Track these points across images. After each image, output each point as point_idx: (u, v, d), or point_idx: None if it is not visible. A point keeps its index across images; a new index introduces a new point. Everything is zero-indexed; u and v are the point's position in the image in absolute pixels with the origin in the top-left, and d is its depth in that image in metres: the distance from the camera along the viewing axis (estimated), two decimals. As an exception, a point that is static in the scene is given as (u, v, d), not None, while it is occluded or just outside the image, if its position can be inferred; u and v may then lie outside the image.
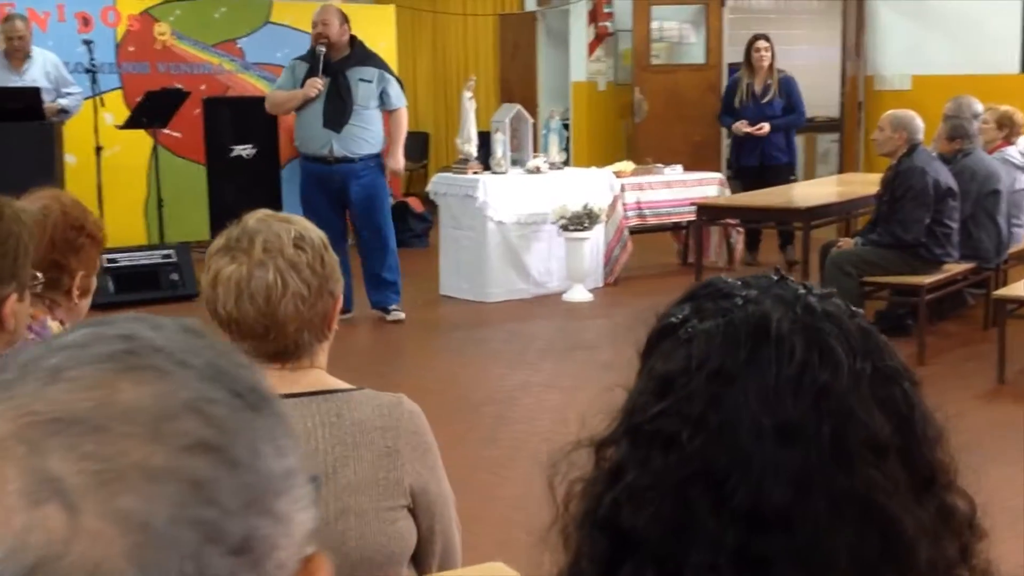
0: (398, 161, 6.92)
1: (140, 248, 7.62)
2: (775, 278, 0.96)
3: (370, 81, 6.70)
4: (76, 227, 2.40)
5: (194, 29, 9.29)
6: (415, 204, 9.81)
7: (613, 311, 7.43)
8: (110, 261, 6.94)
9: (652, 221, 8.38)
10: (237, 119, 8.31)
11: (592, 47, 11.31)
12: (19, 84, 7.32)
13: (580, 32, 11.29)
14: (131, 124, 7.81)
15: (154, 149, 8.54)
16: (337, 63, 6.68)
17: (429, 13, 12.28)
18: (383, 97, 6.76)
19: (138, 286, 7.25)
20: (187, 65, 9.27)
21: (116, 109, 8.38)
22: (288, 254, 1.87)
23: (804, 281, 0.98)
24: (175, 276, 7.47)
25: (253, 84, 9.53)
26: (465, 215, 7.56)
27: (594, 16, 11.21)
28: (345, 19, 6.81)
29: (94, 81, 7.71)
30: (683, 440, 0.85)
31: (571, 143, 11.26)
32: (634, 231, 8.26)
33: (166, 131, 8.53)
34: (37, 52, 7.52)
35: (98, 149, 7.68)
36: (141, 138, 8.12)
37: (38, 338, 2.28)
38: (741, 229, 8.38)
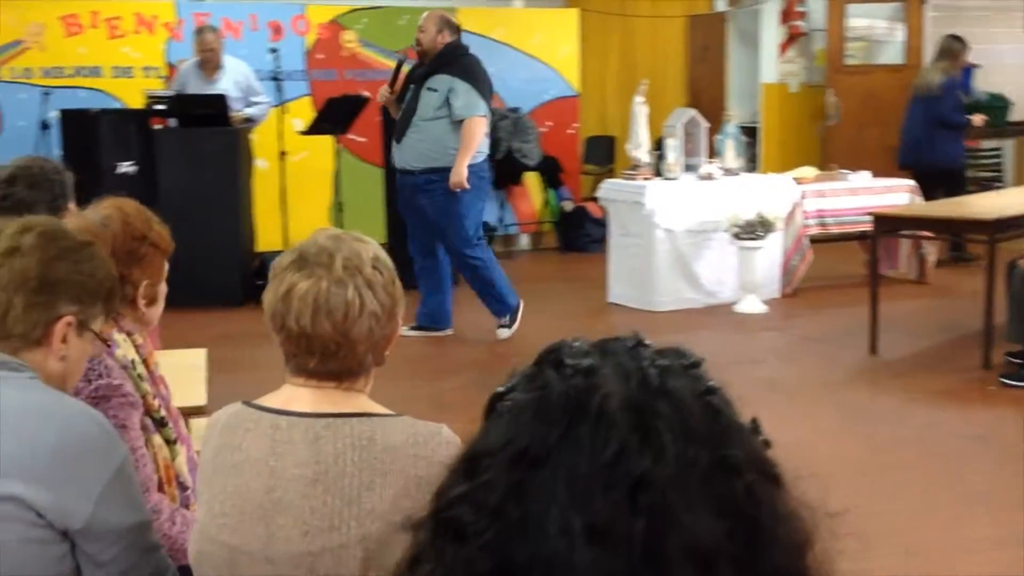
0: (457, 174, 6.23)
1: (317, 250, 7.82)
2: (630, 344, 0.84)
3: (436, 90, 6.33)
4: (138, 237, 2.44)
5: (379, 36, 9.50)
6: (594, 209, 9.71)
7: (787, 324, 7.16)
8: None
9: (835, 230, 7.99)
10: (415, 124, 8.40)
11: (784, 47, 10.96)
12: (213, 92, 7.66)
13: (771, 32, 10.95)
14: (313, 130, 8.03)
15: (338, 153, 8.76)
16: (421, 72, 6.51)
17: (618, 16, 12.16)
18: (449, 107, 6.32)
19: (313, 287, 7.44)
20: (372, 71, 9.48)
21: (305, 115, 8.63)
22: (367, 273, 1.86)
23: (674, 347, 0.85)
24: (349, 278, 7.62)
25: (435, 89, 9.66)
26: (633, 222, 7.42)
27: (786, 15, 10.86)
28: (447, 26, 6.51)
29: (279, 88, 7.96)
30: (477, 532, 0.73)
31: (760, 147, 10.95)
32: (816, 240, 7.91)
33: (351, 136, 8.76)
34: (229, 62, 7.85)
35: (282, 154, 7.93)
36: (328, 143, 8.34)
37: (103, 351, 2.32)
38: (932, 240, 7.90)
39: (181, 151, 7.51)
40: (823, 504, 0.82)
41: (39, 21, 8.46)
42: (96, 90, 8.60)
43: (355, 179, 8.78)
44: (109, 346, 2.35)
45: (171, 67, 8.53)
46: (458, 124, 6.28)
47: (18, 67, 8.41)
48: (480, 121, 6.31)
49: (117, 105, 8.46)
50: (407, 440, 1.82)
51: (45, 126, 8.00)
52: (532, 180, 10.10)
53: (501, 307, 6.64)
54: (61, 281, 1.91)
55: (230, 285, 7.43)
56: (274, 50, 7.98)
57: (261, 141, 8.20)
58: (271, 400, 1.91)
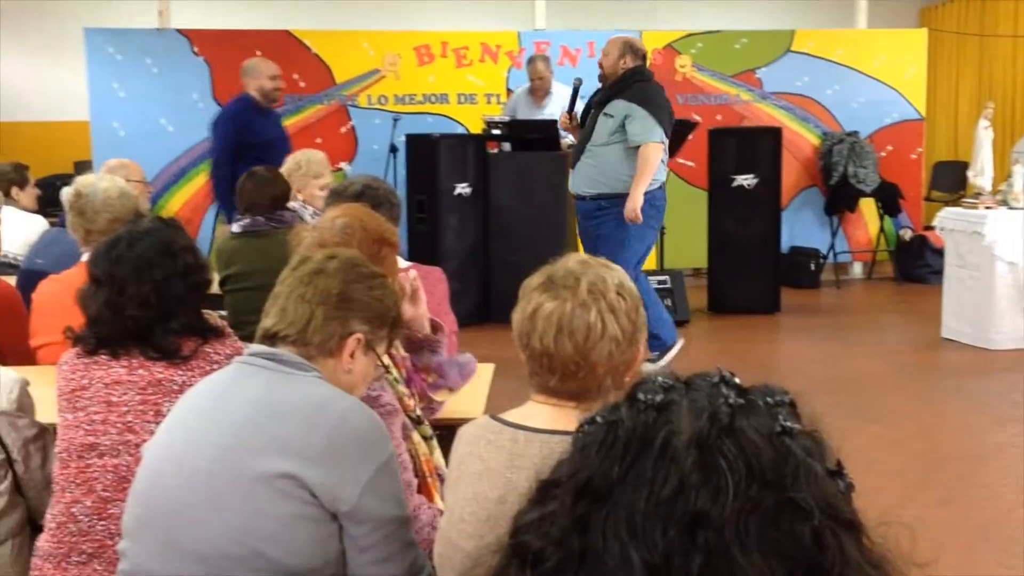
0: (632, 201, 6.01)
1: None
2: (714, 380, 0.82)
3: (612, 115, 6.16)
4: (377, 239, 2.60)
5: (714, 60, 9.48)
6: (934, 238, 9.19)
7: None
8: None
9: None
10: (741, 149, 8.33)
11: None
12: (539, 117, 7.97)
13: None
14: (640, 154, 8.13)
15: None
16: (601, 97, 6.36)
17: (974, 36, 11.45)
18: (624, 132, 6.12)
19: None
20: (705, 96, 9.49)
21: (635, 139, 8.75)
22: (610, 299, 1.92)
23: (763, 385, 0.83)
24: (668, 302, 7.67)
25: (769, 113, 9.53)
26: (972, 253, 6.97)
27: None
28: (630, 51, 6.29)
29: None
30: (541, 560, 0.75)
31: None
32: None
33: (679, 159, 8.81)
34: (557, 88, 8.13)
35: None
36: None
37: None
38: None
39: (513, 173, 7.85)
40: (911, 553, 0.78)
41: (395, 52, 9.13)
42: (442, 115, 9.17)
43: (681, 203, 8.81)
44: (387, 370, 2.54)
45: (510, 93, 8.93)
46: (633, 151, 6.11)
47: (374, 94, 9.12)
48: (657, 147, 6.11)
49: (460, 130, 8.97)
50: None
51: (393, 149, 8.62)
52: (868, 206, 9.70)
53: (653, 342, 6.33)
54: (356, 301, 2.13)
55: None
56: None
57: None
58: (513, 415, 1.99)
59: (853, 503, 0.79)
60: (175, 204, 8.82)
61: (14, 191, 5.83)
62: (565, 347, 1.88)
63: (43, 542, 2.39)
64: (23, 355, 3.41)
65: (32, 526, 2.60)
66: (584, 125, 6.50)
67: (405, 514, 2.05)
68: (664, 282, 7.80)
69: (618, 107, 6.15)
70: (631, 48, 6.31)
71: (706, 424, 0.77)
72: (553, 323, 1.89)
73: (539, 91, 8.13)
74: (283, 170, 5.00)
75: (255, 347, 2.09)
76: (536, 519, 0.78)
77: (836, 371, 6.53)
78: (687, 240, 8.74)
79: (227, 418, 1.98)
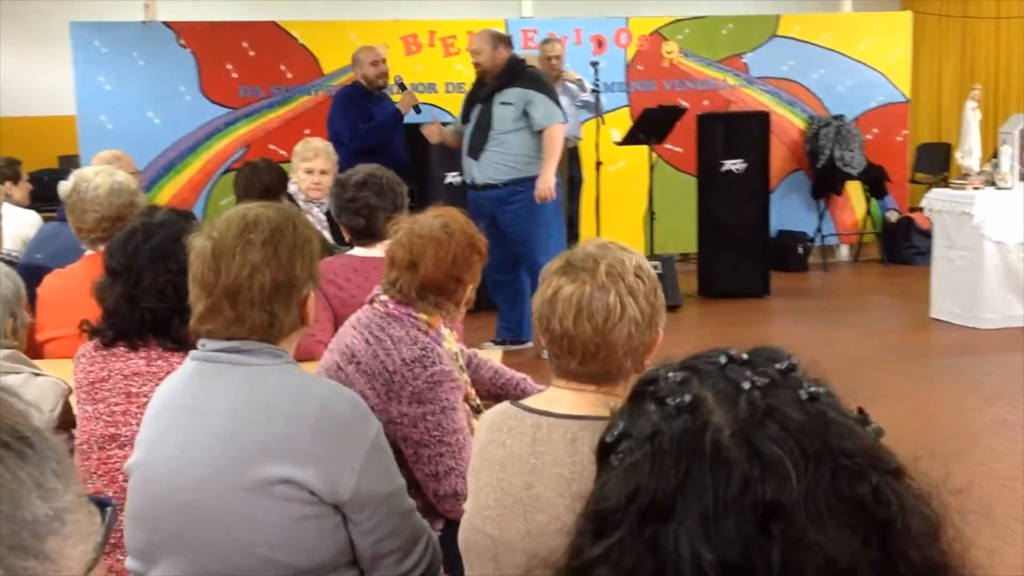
0: (545, 180, 6.26)
1: (629, 259, 7.95)
2: (722, 362, 0.83)
3: (510, 103, 6.34)
4: (471, 245, 2.61)
5: (700, 46, 9.51)
6: (921, 220, 9.25)
7: None
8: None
9: None
10: (730, 134, 8.37)
11: None
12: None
13: None
14: (629, 140, 8.16)
15: (654, 163, 8.85)
16: (488, 89, 6.45)
17: (957, 18, 11.52)
18: (527, 118, 6.33)
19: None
20: (692, 81, 9.52)
21: (623, 126, 8.76)
22: (629, 281, 1.93)
23: (763, 350, 0.84)
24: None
25: (755, 98, 9.57)
26: (960, 234, 7.03)
27: None
28: (501, 42, 6.49)
29: (598, 101, 8.16)
30: None
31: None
32: None
33: (668, 146, 8.85)
34: (568, 73, 8.14)
35: (598, 164, 8.10)
36: (645, 153, 8.44)
37: (433, 343, 2.52)
38: None
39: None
40: (946, 483, 0.80)
41: (383, 42, 9.11)
42: (431, 104, 9.16)
43: (670, 189, 8.85)
44: (455, 357, 2.58)
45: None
46: (536, 134, 6.34)
47: (362, 85, 9.09)
48: (561, 127, 6.41)
49: (450, 119, 8.95)
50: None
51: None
52: (854, 189, 9.76)
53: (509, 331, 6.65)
54: (298, 274, 2.06)
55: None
56: (595, 63, 8.16)
57: (584, 153, 8.44)
58: (534, 401, 2.01)
59: (887, 446, 0.81)
60: (164, 197, 8.79)
61: (7, 186, 5.81)
62: (584, 329, 1.90)
63: (66, 533, 2.40)
64: (30, 350, 3.41)
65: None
66: (467, 119, 6.57)
67: (400, 484, 2.06)
68: (655, 267, 7.73)
69: (514, 95, 6.34)
70: (501, 39, 6.54)
71: (744, 414, 0.77)
72: (572, 305, 1.90)
73: (553, 72, 8.07)
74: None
75: (212, 342, 2.00)
76: (604, 553, 0.76)
77: (828, 353, 6.56)
78: (677, 225, 8.77)
79: (209, 431, 1.94)
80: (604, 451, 0.85)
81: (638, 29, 9.47)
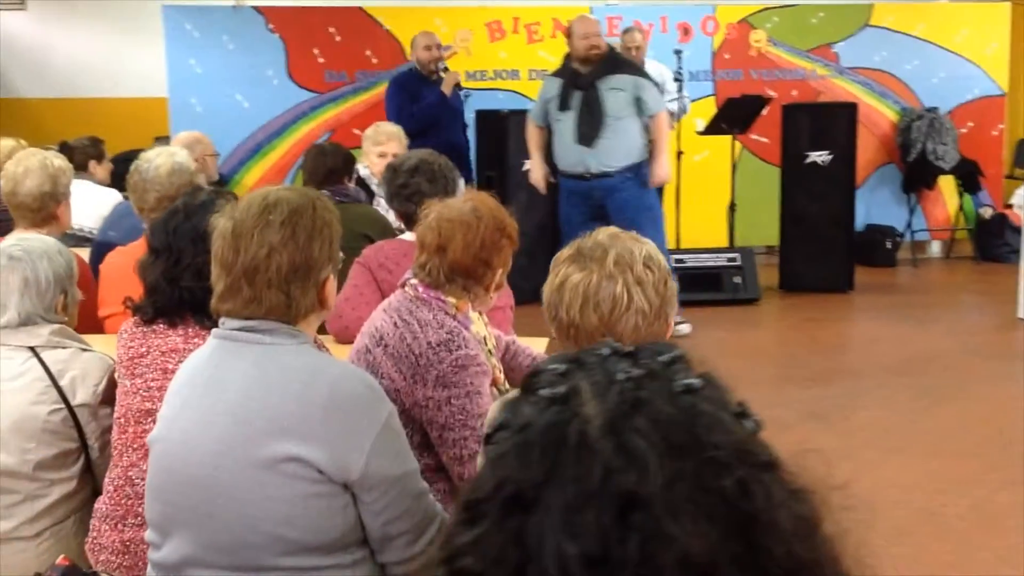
0: (663, 167, 6.41)
1: (708, 250, 7.86)
2: (605, 354, 0.80)
3: (623, 90, 6.32)
4: (500, 229, 2.60)
5: (789, 35, 9.34)
6: (1014, 217, 8.97)
7: None
8: (677, 262, 7.24)
9: None
10: (816, 125, 8.19)
11: None
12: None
13: None
14: (711, 130, 8.06)
15: (739, 154, 8.72)
16: (588, 75, 6.37)
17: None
18: (639, 104, 6.34)
19: (701, 287, 7.50)
20: (780, 71, 9.35)
21: (707, 115, 8.63)
22: (637, 271, 1.92)
23: (651, 345, 0.81)
24: (738, 279, 7.61)
25: (845, 89, 9.36)
26: (1051, 232, 6.79)
27: None
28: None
29: (680, 89, 8.06)
30: None
31: None
32: None
33: (754, 136, 8.71)
34: (650, 63, 8.03)
35: (679, 154, 8.01)
36: (728, 143, 8.32)
37: (461, 327, 2.53)
38: None
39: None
40: (828, 478, 0.78)
41: (467, 28, 9.15)
42: (513, 92, 9.17)
43: (754, 180, 8.72)
44: (484, 341, 2.58)
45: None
46: (643, 121, 6.40)
47: (446, 71, 9.14)
48: (667, 113, 6.57)
49: (531, 106, 8.93)
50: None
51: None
52: (947, 184, 9.49)
53: None
54: (318, 256, 2.10)
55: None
56: (678, 51, 8.07)
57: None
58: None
59: (764, 441, 0.79)
60: (251, 179, 8.96)
61: (91, 164, 5.98)
62: (590, 319, 1.89)
63: (101, 504, 2.47)
64: (92, 325, 3.51)
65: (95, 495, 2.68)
66: (568, 107, 6.46)
67: (412, 466, 2.06)
68: (734, 259, 7.72)
69: (625, 81, 6.37)
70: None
71: (614, 406, 0.75)
72: (579, 294, 1.90)
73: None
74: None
75: (232, 321, 2.03)
76: (470, 541, 0.75)
77: (909, 351, 6.43)
78: (759, 217, 8.62)
79: (222, 407, 1.97)
80: (485, 442, 0.83)
81: (725, 17, 9.32)
